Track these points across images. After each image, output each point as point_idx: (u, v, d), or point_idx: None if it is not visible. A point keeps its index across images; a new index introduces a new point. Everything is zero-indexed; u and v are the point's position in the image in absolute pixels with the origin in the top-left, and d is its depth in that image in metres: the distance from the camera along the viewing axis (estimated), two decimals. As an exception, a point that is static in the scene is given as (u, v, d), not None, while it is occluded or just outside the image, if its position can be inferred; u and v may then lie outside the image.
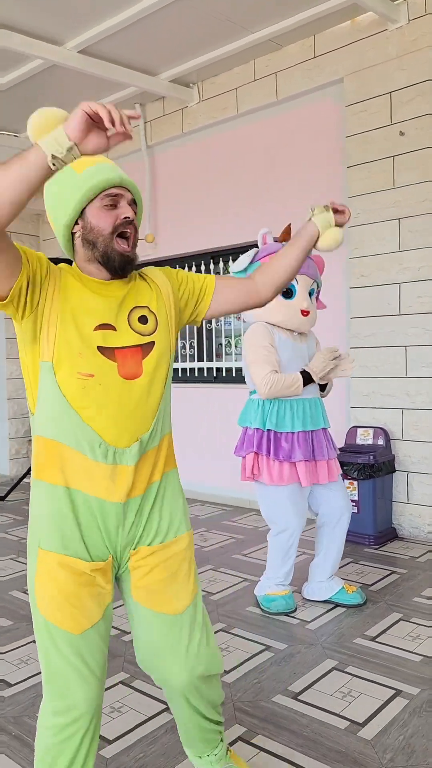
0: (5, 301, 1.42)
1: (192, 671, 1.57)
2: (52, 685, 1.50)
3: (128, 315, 1.54)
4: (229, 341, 5.62)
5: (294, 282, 3.01)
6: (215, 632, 2.89)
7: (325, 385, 3.18)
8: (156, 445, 1.56)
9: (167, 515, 1.59)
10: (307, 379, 2.98)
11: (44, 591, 1.49)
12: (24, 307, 1.44)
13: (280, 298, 2.98)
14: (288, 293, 3.02)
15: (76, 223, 1.54)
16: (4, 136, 6.21)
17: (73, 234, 1.56)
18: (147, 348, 1.53)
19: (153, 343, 1.54)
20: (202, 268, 5.64)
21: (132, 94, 5.45)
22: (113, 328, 1.50)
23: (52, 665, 1.49)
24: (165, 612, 1.56)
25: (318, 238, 1.70)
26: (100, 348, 1.48)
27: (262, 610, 3.11)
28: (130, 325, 1.53)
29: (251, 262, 3.01)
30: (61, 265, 1.58)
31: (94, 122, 1.25)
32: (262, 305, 1.74)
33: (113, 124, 1.25)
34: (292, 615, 3.04)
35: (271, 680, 2.46)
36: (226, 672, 2.53)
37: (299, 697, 2.33)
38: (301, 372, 2.99)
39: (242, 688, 2.41)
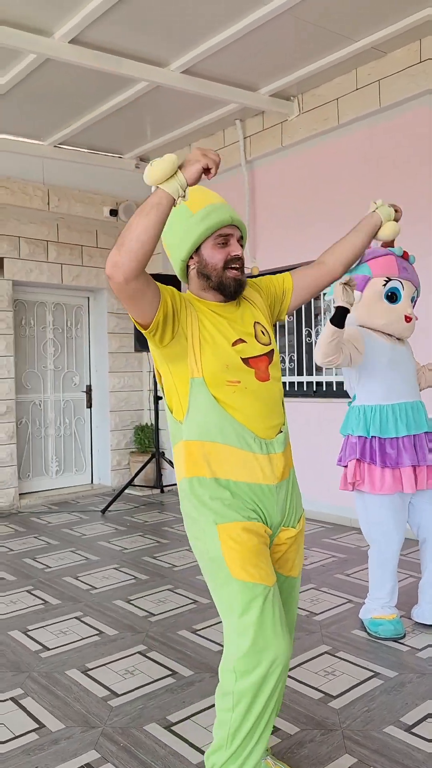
0: (148, 331, 1.67)
1: (293, 627, 1.94)
2: (245, 645, 1.63)
3: (252, 329, 1.81)
4: (328, 354, 5.50)
5: (399, 287, 2.95)
6: (320, 655, 2.81)
7: None
8: (288, 435, 1.85)
9: (297, 498, 1.89)
10: (339, 316, 2.73)
11: (234, 555, 1.67)
12: (165, 334, 1.69)
13: (384, 302, 2.93)
14: (393, 298, 2.94)
15: (191, 257, 1.80)
16: (109, 158, 6.46)
17: (188, 266, 1.83)
18: (270, 355, 1.83)
19: (272, 350, 1.84)
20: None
21: (232, 111, 5.51)
22: (244, 341, 1.78)
23: (248, 623, 1.63)
24: (292, 575, 1.90)
25: (380, 227, 2.08)
26: (242, 359, 1.75)
27: (368, 634, 2.98)
28: (256, 338, 1.81)
29: (359, 264, 2.97)
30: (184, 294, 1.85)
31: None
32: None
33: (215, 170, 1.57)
34: (401, 641, 2.90)
35: (382, 709, 2.35)
36: (333, 697, 2.44)
37: (413, 730, 2.20)
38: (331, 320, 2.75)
39: (351, 715, 2.32)
